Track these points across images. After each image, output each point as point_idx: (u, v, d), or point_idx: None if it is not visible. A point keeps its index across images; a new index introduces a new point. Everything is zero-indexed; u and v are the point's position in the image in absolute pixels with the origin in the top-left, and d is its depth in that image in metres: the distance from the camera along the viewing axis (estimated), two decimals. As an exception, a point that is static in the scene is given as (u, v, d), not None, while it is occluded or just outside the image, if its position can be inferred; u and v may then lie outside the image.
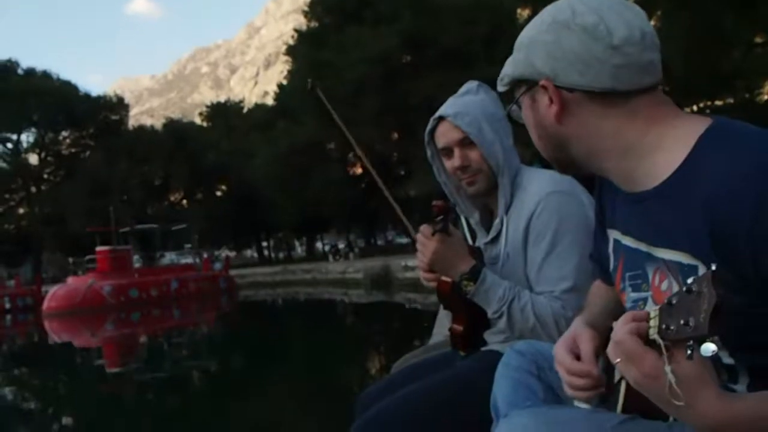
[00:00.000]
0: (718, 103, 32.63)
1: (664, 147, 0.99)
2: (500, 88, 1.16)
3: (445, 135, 1.85)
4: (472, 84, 1.90)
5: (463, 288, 1.78)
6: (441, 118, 1.85)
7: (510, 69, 1.11)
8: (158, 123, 64.18)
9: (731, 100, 32.64)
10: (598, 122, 1.03)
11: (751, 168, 0.87)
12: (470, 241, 2.05)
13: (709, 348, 0.76)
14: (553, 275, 1.73)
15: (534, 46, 1.06)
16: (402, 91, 35.26)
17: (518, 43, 1.10)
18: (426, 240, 1.79)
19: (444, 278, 1.85)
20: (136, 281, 28.12)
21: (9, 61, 53.88)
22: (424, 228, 1.80)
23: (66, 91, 53.87)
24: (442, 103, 1.92)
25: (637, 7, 1.05)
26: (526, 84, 1.09)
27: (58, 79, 55.23)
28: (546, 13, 1.07)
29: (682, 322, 0.79)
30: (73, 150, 56.67)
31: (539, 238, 1.74)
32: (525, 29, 1.10)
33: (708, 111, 32.14)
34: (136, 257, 31.74)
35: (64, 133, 56.22)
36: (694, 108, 32.75)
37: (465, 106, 1.81)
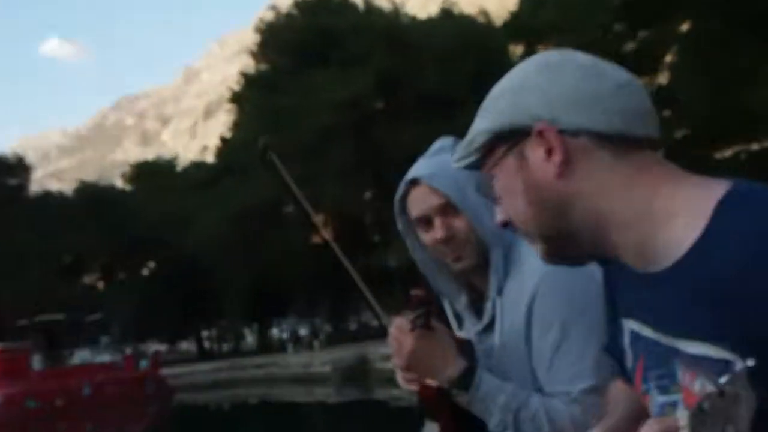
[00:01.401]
0: (755, 147, 33.64)
1: (679, 213, 0.99)
2: (471, 153, 1.13)
3: (421, 201, 1.81)
4: (446, 140, 1.87)
5: (454, 396, 1.74)
6: (414, 182, 1.83)
7: (487, 123, 1.10)
8: (69, 187, 64.15)
9: (756, 147, 33.73)
10: (608, 176, 1.03)
11: None
12: (456, 331, 2.03)
13: None
14: (567, 372, 1.70)
15: (522, 90, 1.06)
16: (376, 141, 35.93)
17: (496, 94, 1.10)
18: (402, 336, 1.75)
19: (428, 382, 1.80)
20: (35, 388, 27.64)
21: None
22: (400, 321, 1.77)
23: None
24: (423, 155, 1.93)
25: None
26: (508, 141, 1.08)
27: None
28: (532, 61, 1.10)
29: (719, 431, 0.76)
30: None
31: (546, 327, 1.71)
32: (501, 82, 1.11)
33: (744, 156, 33.11)
34: (37, 357, 31.17)
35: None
36: (717, 156, 33.79)
37: (442, 166, 1.76)
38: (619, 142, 1.02)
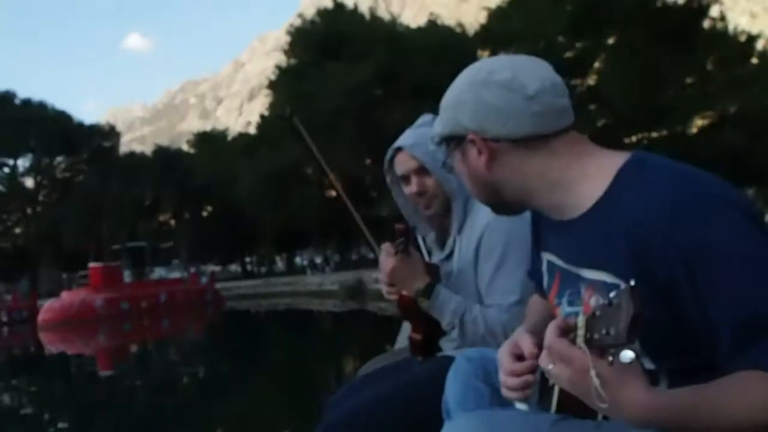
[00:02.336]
0: (655, 134, 33.47)
1: (587, 179, 1.01)
2: (431, 146, 1.18)
3: (403, 164, 1.85)
4: (427, 116, 1.89)
5: (420, 303, 1.79)
6: (399, 149, 1.85)
7: (439, 128, 1.12)
8: (148, 149, 63.50)
9: (666, 132, 33.53)
10: (524, 165, 1.05)
11: (664, 195, 0.90)
12: (427, 258, 2.05)
13: (627, 355, 0.78)
14: (501, 289, 1.73)
15: (458, 105, 1.07)
16: (375, 120, 35.43)
17: (443, 105, 1.11)
18: (387, 258, 1.80)
19: (404, 292, 1.85)
20: (126, 294, 27.69)
21: (7, 92, 53.14)
22: (386, 247, 1.81)
23: (61, 119, 53.37)
24: None
25: (543, 61, 1.07)
26: (455, 140, 1.10)
27: (53, 109, 54.65)
28: (465, 74, 1.09)
29: (604, 331, 0.80)
30: (67, 174, 55.80)
31: (489, 255, 1.75)
32: (448, 91, 1.11)
33: (645, 142, 32.88)
34: (126, 272, 31.22)
35: (59, 159, 55.35)
36: (633, 139, 33.55)
37: (420, 137, 1.79)
38: (532, 140, 1.03)
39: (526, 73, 1.03)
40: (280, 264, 64.91)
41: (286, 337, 16.47)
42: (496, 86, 1.02)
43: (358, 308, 21.64)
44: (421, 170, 1.82)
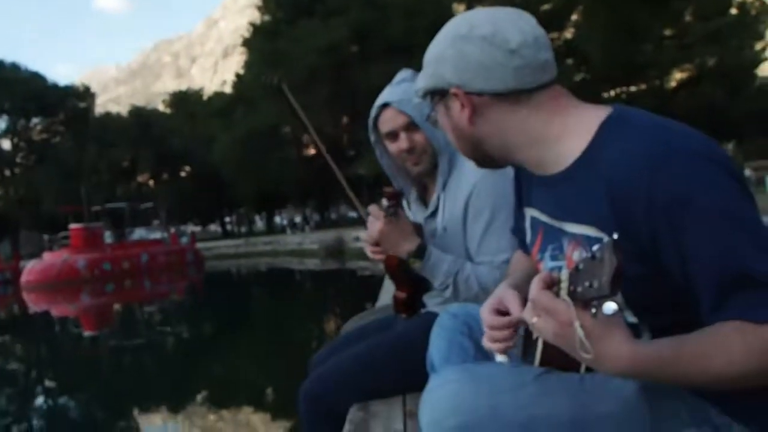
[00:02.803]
0: (633, 89, 33.35)
1: (569, 134, 1.01)
2: (415, 100, 1.16)
3: (390, 120, 1.80)
4: (406, 72, 1.85)
5: (411, 264, 1.77)
6: (385, 105, 1.81)
7: (422, 83, 1.11)
8: (124, 110, 62.21)
9: (644, 87, 33.38)
10: (507, 119, 1.04)
11: (645, 150, 0.89)
12: (410, 216, 2.04)
13: (610, 307, 0.78)
14: (492, 247, 1.73)
15: (441, 60, 1.05)
16: (351, 79, 34.99)
17: (426, 59, 1.09)
18: (375, 222, 1.77)
19: (390, 254, 1.83)
20: (108, 255, 27.42)
21: (-22, 55, 51.62)
22: (374, 208, 1.79)
23: (34, 81, 52.16)
24: None
25: (527, 14, 1.05)
26: (438, 94, 1.09)
27: (27, 70, 53.27)
28: (447, 28, 1.07)
29: (587, 284, 0.80)
30: (44, 136, 54.83)
31: (478, 215, 1.74)
32: (431, 46, 1.09)
33: (624, 97, 32.83)
34: (107, 234, 30.89)
35: (35, 120, 54.33)
36: (612, 93, 33.47)
37: (406, 93, 1.76)
38: (514, 95, 1.02)
39: (508, 26, 1.01)
40: (259, 224, 64.78)
41: (268, 296, 16.52)
42: (477, 40, 1.01)
43: (338, 267, 21.70)
44: (410, 126, 1.78)
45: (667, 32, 31.46)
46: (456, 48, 1.03)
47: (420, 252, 1.75)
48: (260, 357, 8.50)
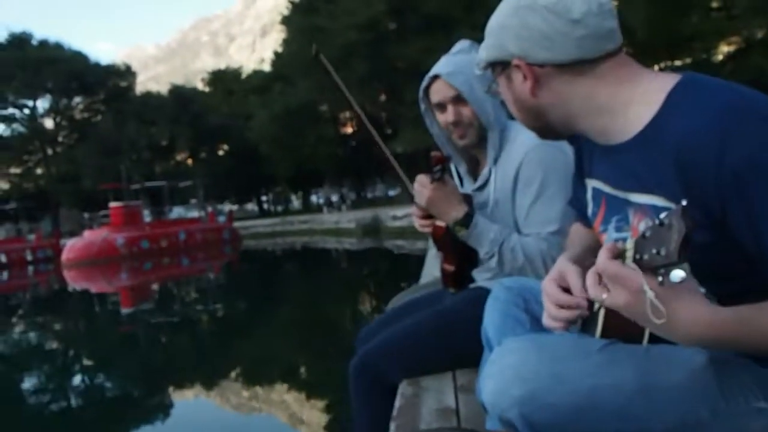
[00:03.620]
0: (678, 63, 32.62)
1: (635, 103, 0.99)
2: (477, 71, 1.17)
3: (439, 92, 1.82)
4: (464, 43, 1.85)
5: (457, 232, 1.78)
6: (436, 76, 1.82)
7: (484, 54, 1.11)
8: (163, 89, 63.23)
9: (689, 61, 32.64)
10: (570, 90, 1.04)
11: (714, 115, 0.88)
12: (460, 188, 2.02)
13: (678, 274, 0.77)
14: (539, 219, 1.73)
15: (503, 30, 1.06)
16: (389, 55, 34.86)
17: (488, 29, 1.10)
18: (423, 188, 1.79)
19: (438, 223, 1.84)
20: (147, 233, 28.07)
21: (24, 33, 53.09)
22: (421, 177, 1.80)
23: (77, 60, 53.26)
24: (426, 66, 1.91)
25: None
26: (500, 65, 1.09)
27: (70, 49, 54.53)
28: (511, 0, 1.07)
29: (654, 251, 0.79)
30: (85, 115, 56.14)
31: (527, 186, 1.74)
32: (493, 16, 1.10)
33: (668, 71, 32.12)
34: (146, 212, 31.63)
35: (77, 99, 55.62)
36: (656, 68, 32.76)
37: (458, 65, 1.77)
38: (578, 65, 1.02)
39: None
40: (295, 202, 65.47)
41: (304, 274, 16.70)
42: (540, 10, 1.01)
43: (375, 246, 21.81)
44: (458, 99, 1.80)
45: (714, 3, 30.60)
46: (518, 18, 1.03)
47: (467, 220, 1.76)
48: (300, 335, 8.60)
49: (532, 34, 1.02)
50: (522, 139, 1.76)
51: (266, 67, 57.68)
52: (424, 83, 1.86)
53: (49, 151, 53.98)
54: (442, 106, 1.83)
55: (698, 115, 0.89)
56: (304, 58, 35.24)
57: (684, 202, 0.77)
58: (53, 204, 51.34)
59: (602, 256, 0.88)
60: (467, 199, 1.88)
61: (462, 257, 1.91)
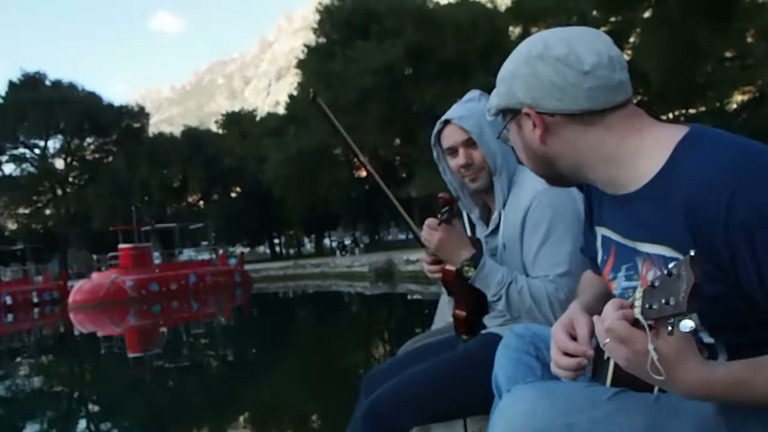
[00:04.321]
0: (692, 111, 32.83)
1: (643, 154, 1.02)
2: (488, 117, 1.19)
3: (451, 136, 1.88)
4: (474, 93, 1.92)
5: (465, 273, 1.81)
6: (447, 122, 1.88)
7: (495, 101, 1.14)
8: (177, 130, 64.21)
9: (703, 109, 32.87)
10: (579, 139, 1.05)
11: (724, 167, 0.90)
12: (470, 233, 2.07)
13: (687, 324, 0.78)
14: (548, 261, 1.75)
15: (514, 78, 1.08)
16: (404, 100, 35.33)
17: (500, 77, 1.13)
18: (432, 230, 1.83)
19: (448, 267, 1.88)
20: (156, 276, 28.12)
21: (37, 73, 54.19)
22: (430, 221, 1.84)
23: (90, 100, 54.22)
24: (441, 111, 1.97)
25: (602, 34, 1.08)
26: (511, 112, 1.12)
27: (83, 90, 55.53)
28: (522, 47, 1.10)
29: (663, 301, 0.81)
30: (96, 155, 56.85)
31: (535, 229, 1.77)
32: (505, 64, 1.12)
33: (683, 119, 32.26)
34: (156, 254, 31.74)
35: (89, 140, 56.45)
36: (670, 116, 32.91)
37: (469, 111, 1.84)
38: (588, 115, 1.04)
39: (583, 47, 1.03)
40: (308, 246, 65.49)
41: (316, 319, 16.62)
42: (551, 60, 1.03)
43: (388, 291, 21.70)
44: (469, 142, 1.85)
45: (728, 53, 30.89)
46: (529, 67, 1.05)
47: (475, 261, 1.79)
48: (308, 379, 8.53)
49: (542, 84, 1.04)
50: (530, 183, 1.79)
51: (281, 110, 58.52)
52: (436, 129, 1.92)
53: (59, 192, 54.49)
54: (453, 151, 1.89)
55: (707, 168, 0.91)
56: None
57: (693, 252, 0.79)
58: (62, 245, 51.68)
59: (610, 313, 0.91)
60: (476, 243, 1.91)
61: (473, 303, 1.93)
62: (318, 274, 33.12)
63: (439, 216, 1.81)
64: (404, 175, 39.69)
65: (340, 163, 43.60)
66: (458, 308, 1.99)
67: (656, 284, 0.83)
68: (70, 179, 55.99)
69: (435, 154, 1.97)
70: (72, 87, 54.83)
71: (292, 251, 63.45)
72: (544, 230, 1.75)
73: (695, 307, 0.77)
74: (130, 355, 12.80)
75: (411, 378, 1.83)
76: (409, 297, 18.60)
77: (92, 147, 57.06)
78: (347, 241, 46.52)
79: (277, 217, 50.07)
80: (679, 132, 1.00)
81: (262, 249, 66.53)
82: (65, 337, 18.11)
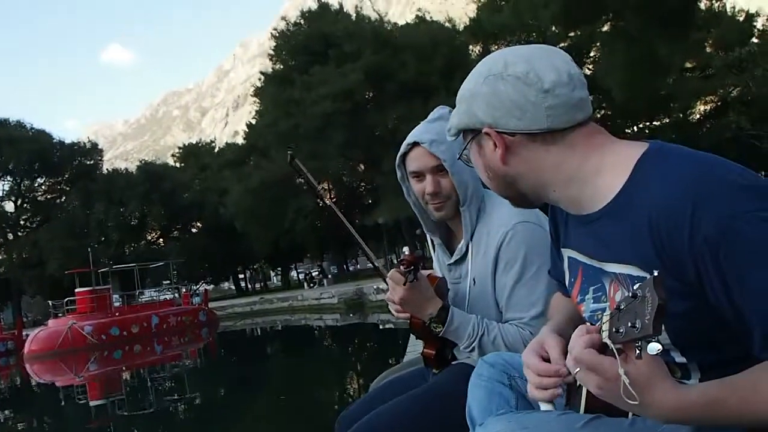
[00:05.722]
0: (656, 123, 33.64)
1: (605, 172, 1.03)
2: (448, 137, 1.18)
3: (418, 160, 1.80)
4: (443, 110, 1.85)
5: (434, 329, 1.78)
6: (415, 143, 1.81)
7: (455, 120, 1.14)
8: (132, 166, 63.38)
9: (667, 120, 33.70)
10: (540, 159, 1.06)
11: (684, 183, 0.92)
12: (435, 261, 2.04)
13: (654, 347, 0.79)
14: (522, 302, 1.73)
15: (474, 98, 1.08)
16: (367, 124, 35.44)
17: (459, 96, 1.13)
18: (396, 287, 1.77)
19: (414, 318, 1.84)
20: (116, 319, 27.48)
21: (-19, 113, 53.10)
22: (394, 274, 1.78)
23: (40, 139, 53.06)
24: (404, 134, 1.87)
25: (562, 51, 1.09)
26: (471, 132, 1.12)
27: (32, 128, 54.32)
28: (481, 66, 1.10)
29: (629, 324, 0.82)
30: (49, 196, 55.63)
31: (509, 266, 1.74)
32: (464, 83, 1.12)
33: (647, 131, 33.00)
34: (115, 296, 31.07)
35: (40, 180, 55.21)
36: (634, 129, 33.70)
37: (440, 134, 1.75)
38: (549, 134, 1.04)
39: (542, 65, 1.03)
40: (274, 279, 64.83)
41: (286, 356, 16.41)
42: (511, 79, 1.04)
43: (359, 321, 21.56)
44: (439, 169, 1.79)
45: (689, 64, 31.85)
46: (489, 86, 1.06)
47: (443, 315, 1.75)
48: (281, 419, 8.39)
49: (502, 103, 1.04)
50: (502, 216, 1.76)
51: (240, 140, 58.27)
52: (402, 150, 1.85)
53: (10, 236, 53.08)
54: (419, 175, 1.82)
55: (667, 184, 0.93)
56: (278, 129, 35.75)
57: (656, 273, 0.80)
58: (15, 292, 50.25)
59: (577, 341, 0.92)
60: (442, 284, 1.86)
61: (441, 343, 1.90)
62: (286, 308, 32.76)
63: (404, 275, 1.75)
64: (370, 201, 39.68)
65: (303, 192, 43.48)
66: (427, 348, 1.96)
67: (622, 307, 0.84)
68: (22, 222, 54.59)
69: (399, 174, 1.91)
70: (20, 125, 53.64)
71: (258, 286, 62.74)
72: (517, 268, 1.72)
73: (660, 328, 0.78)
74: (92, 403, 12.45)
75: (384, 413, 1.80)
76: (381, 327, 18.48)
77: (44, 187, 55.78)
78: (315, 273, 46.23)
79: (241, 251, 49.52)
80: (638, 149, 1.01)
81: (227, 285, 65.67)
82: (22, 389, 17.54)
